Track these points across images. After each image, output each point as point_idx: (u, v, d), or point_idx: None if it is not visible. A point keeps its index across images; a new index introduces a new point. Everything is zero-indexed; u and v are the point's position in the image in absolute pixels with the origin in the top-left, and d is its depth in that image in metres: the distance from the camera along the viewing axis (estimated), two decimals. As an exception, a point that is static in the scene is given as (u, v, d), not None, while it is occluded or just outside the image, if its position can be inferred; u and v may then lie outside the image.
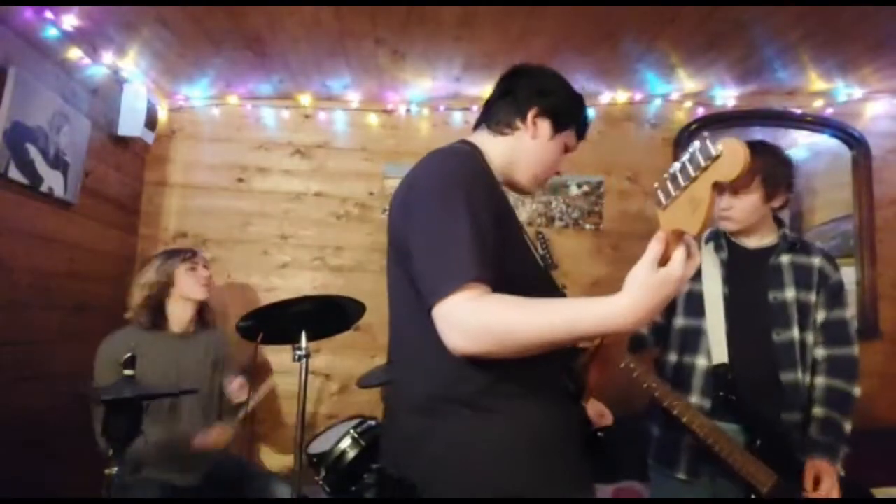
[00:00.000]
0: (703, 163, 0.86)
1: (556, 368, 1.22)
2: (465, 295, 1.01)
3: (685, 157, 0.89)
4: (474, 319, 1.00)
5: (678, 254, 0.95)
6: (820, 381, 1.80)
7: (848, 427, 1.74)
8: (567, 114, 1.33)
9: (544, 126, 1.31)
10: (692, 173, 0.88)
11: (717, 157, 0.84)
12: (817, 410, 1.77)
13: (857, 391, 1.78)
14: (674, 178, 0.92)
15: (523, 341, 1.00)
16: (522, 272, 1.19)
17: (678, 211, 0.93)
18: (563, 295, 1.31)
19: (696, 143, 0.87)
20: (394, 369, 1.27)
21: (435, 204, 1.11)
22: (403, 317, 1.21)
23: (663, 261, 0.96)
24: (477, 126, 1.38)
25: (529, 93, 1.32)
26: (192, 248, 2.54)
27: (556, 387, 1.20)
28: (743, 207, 1.78)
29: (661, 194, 0.95)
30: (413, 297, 1.11)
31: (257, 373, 2.90)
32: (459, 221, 1.06)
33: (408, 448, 1.18)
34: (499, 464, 1.09)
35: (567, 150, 1.37)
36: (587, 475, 1.25)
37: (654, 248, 0.96)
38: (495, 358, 1.03)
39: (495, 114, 1.35)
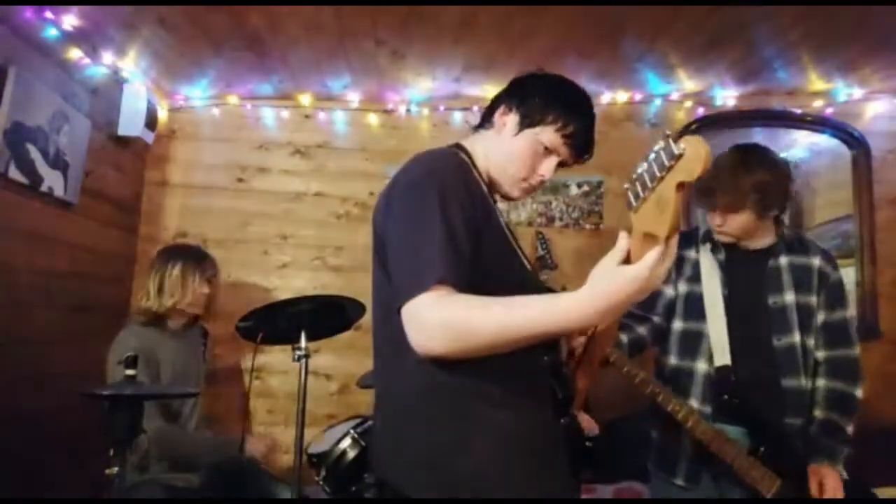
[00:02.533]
0: (667, 162, 0.84)
1: (536, 374, 1.21)
2: (430, 295, 1.01)
3: (651, 156, 0.87)
4: (434, 317, 1.01)
5: (651, 255, 0.91)
6: (821, 383, 1.78)
7: (850, 428, 1.73)
8: (537, 110, 1.26)
9: (510, 120, 1.28)
10: (657, 173, 0.87)
11: (680, 155, 0.83)
12: (818, 413, 1.75)
13: (859, 392, 1.76)
14: (641, 178, 0.90)
15: (484, 338, 1.00)
16: (504, 273, 1.19)
17: (647, 213, 0.91)
18: (545, 291, 1.30)
19: (661, 143, 0.85)
20: (375, 371, 1.27)
21: (410, 205, 1.13)
22: (382, 319, 1.21)
23: (629, 261, 0.94)
24: (474, 130, 1.39)
25: (509, 89, 1.33)
26: (201, 252, 2.45)
27: (537, 393, 1.19)
28: (736, 224, 1.77)
29: (630, 196, 0.93)
30: (390, 298, 1.11)
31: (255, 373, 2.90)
32: (432, 222, 1.07)
33: (387, 449, 1.20)
34: (476, 469, 1.09)
35: (550, 152, 1.27)
36: (570, 483, 1.23)
37: (621, 244, 0.95)
38: (462, 358, 1.03)
39: (484, 113, 1.36)
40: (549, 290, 1.31)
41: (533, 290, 1.25)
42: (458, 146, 1.33)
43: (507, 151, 1.28)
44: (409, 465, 1.14)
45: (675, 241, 0.92)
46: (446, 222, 1.07)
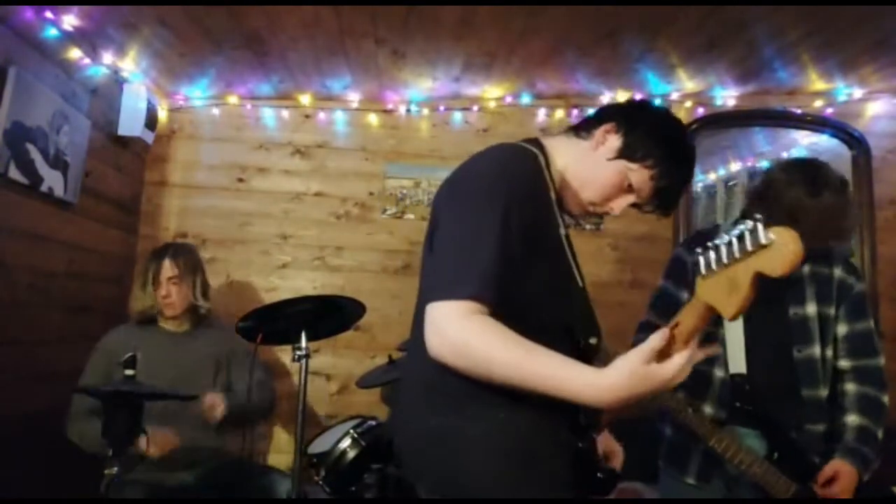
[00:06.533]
0: (749, 247, 0.81)
1: None
2: (462, 306, 1.01)
3: (735, 232, 0.84)
4: (460, 335, 1.01)
5: (679, 358, 0.94)
6: (851, 387, 1.76)
7: (881, 436, 1.71)
8: (644, 148, 1.18)
9: (611, 142, 1.21)
10: (737, 254, 0.83)
11: (766, 246, 0.79)
12: (852, 417, 1.72)
13: (886, 399, 1.75)
14: (718, 250, 0.87)
15: (497, 377, 1.01)
16: (553, 286, 1.17)
17: (716, 287, 0.88)
18: (594, 318, 1.26)
19: (749, 224, 0.81)
20: (408, 348, 1.28)
21: (471, 207, 1.09)
22: (420, 304, 1.22)
23: (661, 355, 0.95)
24: (567, 129, 1.32)
25: (621, 110, 1.25)
26: (160, 253, 2.41)
27: (557, 412, 1.15)
28: None
29: (702, 262, 0.91)
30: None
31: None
32: (489, 233, 1.05)
33: (401, 425, 1.22)
34: (474, 467, 1.09)
35: (632, 190, 1.21)
36: (572, 498, 1.20)
37: (656, 341, 0.95)
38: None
39: (585, 120, 1.29)
40: (593, 313, 1.27)
41: (578, 309, 1.23)
42: (538, 143, 1.26)
43: (593, 172, 1.22)
44: (416, 443, 1.16)
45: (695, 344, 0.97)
46: (503, 237, 1.04)
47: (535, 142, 1.27)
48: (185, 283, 2.37)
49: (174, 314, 2.35)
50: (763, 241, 0.79)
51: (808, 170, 1.69)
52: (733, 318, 0.87)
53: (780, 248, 0.78)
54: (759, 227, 0.80)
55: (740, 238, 0.83)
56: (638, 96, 3.12)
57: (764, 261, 0.80)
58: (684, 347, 0.96)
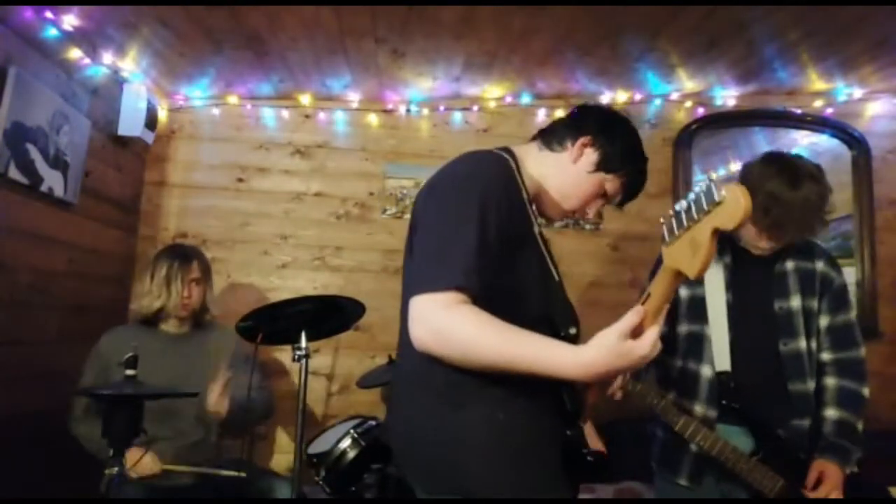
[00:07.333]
0: (705, 207, 0.87)
1: (546, 384, 1.18)
2: (445, 297, 1.05)
3: (691, 196, 0.90)
4: (444, 324, 1.04)
5: (651, 333, 0.98)
6: (831, 381, 1.77)
7: (861, 428, 1.72)
8: (617, 161, 1.30)
9: (590, 155, 1.30)
10: (695, 216, 0.89)
11: (719, 203, 0.85)
12: (830, 412, 1.74)
13: (866, 392, 1.76)
14: (678, 216, 0.93)
15: (483, 361, 1.05)
16: (532, 283, 1.21)
17: (680, 251, 0.93)
18: (572, 309, 1.31)
19: (703, 185, 0.88)
20: (398, 353, 1.31)
21: (449, 205, 1.15)
22: (404, 306, 1.24)
23: (635, 333, 0.98)
24: (533, 138, 1.40)
25: (594, 123, 1.33)
26: (187, 254, 2.40)
27: (543, 401, 1.19)
28: (745, 239, 1.76)
29: (665, 230, 0.96)
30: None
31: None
32: (467, 227, 1.09)
33: (397, 429, 1.25)
34: (473, 467, 1.10)
35: (605, 196, 1.35)
36: (566, 488, 1.22)
37: (631, 319, 0.99)
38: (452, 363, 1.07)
39: (553, 131, 1.36)
40: (571, 305, 1.31)
41: (556, 301, 1.28)
42: (509, 151, 1.33)
43: (574, 184, 1.31)
44: (413, 447, 1.19)
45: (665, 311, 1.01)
46: (481, 231, 1.10)
47: (506, 149, 1.34)
48: (203, 286, 2.40)
49: (186, 315, 2.35)
50: (716, 197, 0.85)
51: (786, 163, 1.70)
52: (697, 277, 0.91)
53: (732, 202, 0.84)
54: (712, 186, 0.86)
55: (696, 200, 0.89)
56: (638, 96, 3.13)
57: (719, 216, 0.85)
58: (655, 321, 1.00)
